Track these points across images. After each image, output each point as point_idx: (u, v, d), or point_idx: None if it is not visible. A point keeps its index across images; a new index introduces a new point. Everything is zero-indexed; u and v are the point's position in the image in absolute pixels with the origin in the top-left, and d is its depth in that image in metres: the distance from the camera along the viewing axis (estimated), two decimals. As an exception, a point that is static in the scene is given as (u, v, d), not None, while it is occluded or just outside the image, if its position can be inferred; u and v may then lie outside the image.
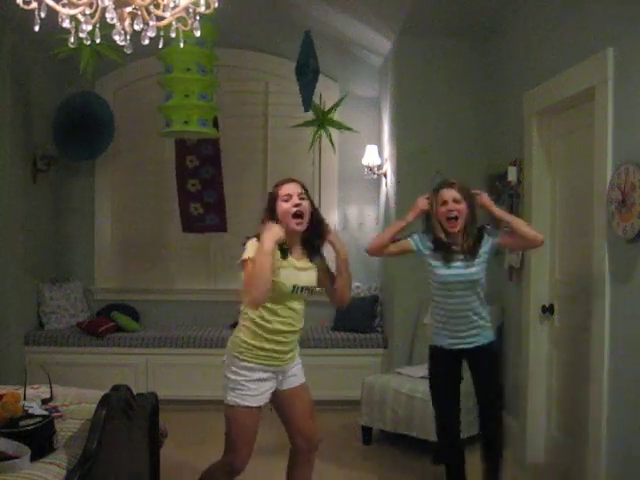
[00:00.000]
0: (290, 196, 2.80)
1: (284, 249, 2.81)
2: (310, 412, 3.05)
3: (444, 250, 3.26)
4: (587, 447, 3.40)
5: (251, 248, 2.74)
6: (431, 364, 3.49)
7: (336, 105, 5.47)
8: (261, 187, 5.86)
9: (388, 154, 5.53)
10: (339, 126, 5.44)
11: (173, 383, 5.28)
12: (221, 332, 5.53)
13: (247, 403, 2.82)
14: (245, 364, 2.83)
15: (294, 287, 2.80)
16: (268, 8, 5.39)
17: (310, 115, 5.37)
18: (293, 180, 2.90)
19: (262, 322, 2.82)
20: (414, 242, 3.37)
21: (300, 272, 2.84)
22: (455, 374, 3.41)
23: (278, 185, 2.89)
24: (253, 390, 2.83)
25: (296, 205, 2.78)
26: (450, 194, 3.26)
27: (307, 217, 2.83)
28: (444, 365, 3.41)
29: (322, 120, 5.39)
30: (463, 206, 3.25)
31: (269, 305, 2.79)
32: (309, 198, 2.88)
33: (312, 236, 2.90)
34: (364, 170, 5.72)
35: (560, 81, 3.71)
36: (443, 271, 3.26)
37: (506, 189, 4.58)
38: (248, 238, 2.82)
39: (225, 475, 2.98)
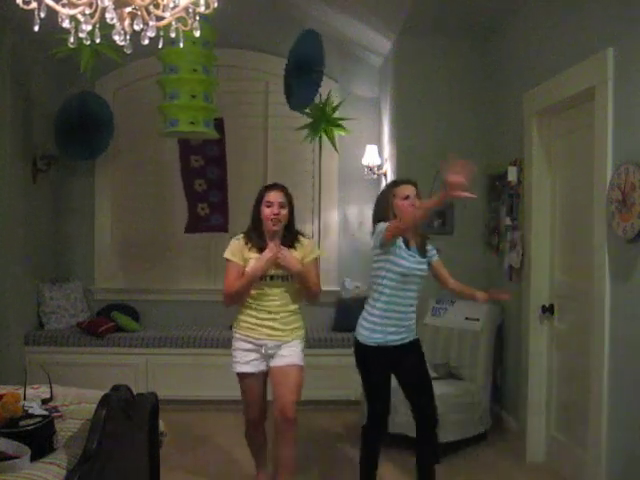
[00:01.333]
0: (272, 203, 3.34)
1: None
2: (290, 387, 3.33)
3: (405, 241, 3.30)
4: (587, 447, 3.41)
5: (232, 247, 3.41)
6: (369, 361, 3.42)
7: (334, 108, 5.47)
8: (261, 187, 5.86)
9: (388, 154, 5.53)
10: (341, 127, 5.45)
11: (173, 383, 5.28)
12: (221, 332, 5.53)
13: (238, 369, 3.42)
14: (236, 335, 3.45)
15: (263, 275, 3.33)
16: (268, 8, 5.39)
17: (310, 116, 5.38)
18: (278, 187, 3.41)
19: (246, 301, 3.42)
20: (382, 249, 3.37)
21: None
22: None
23: (264, 190, 3.43)
24: (240, 357, 3.41)
25: (275, 214, 3.33)
26: (412, 190, 3.34)
27: (284, 221, 3.37)
28: (381, 363, 3.38)
29: (322, 120, 5.39)
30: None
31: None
32: (289, 203, 3.38)
33: (288, 234, 3.42)
34: (364, 170, 5.72)
35: (560, 81, 3.71)
36: (404, 262, 3.26)
37: (506, 189, 4.59)
38: (236, 238, 3.44)
39: (248, 426, 3.56)
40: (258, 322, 3.39)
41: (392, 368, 3.40)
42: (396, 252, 3.26)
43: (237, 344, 3.45)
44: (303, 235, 3.53)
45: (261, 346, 3.39)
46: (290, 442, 3.34)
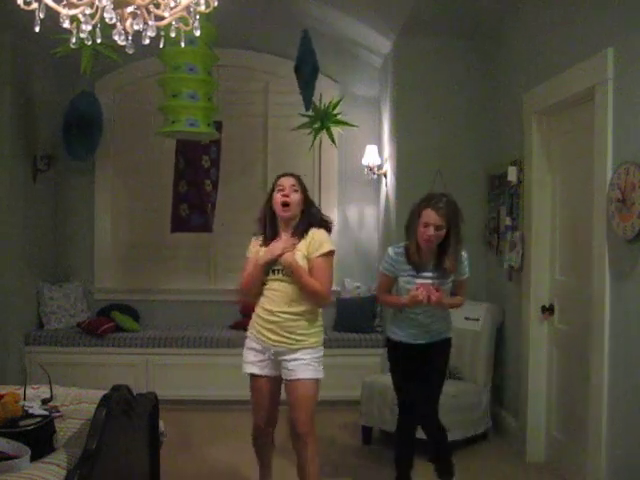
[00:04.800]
0: (283, 187, 3.19)
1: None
2: (296, 406, 3.19)
3: (416, 267, 3.32)
4: (587, 447, 3.41)
5: (250, 245, 3.32)
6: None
7: (335, 105, 5.47)
8: (261, 187, 5.85)
9: (388, 154, 5.53)
10: (342, 124, 5.44)
11: (173, 383, 5.27)
12: (221, 332, 5.53)
13: (244, 369, 3.29)
14: (247, 332, 3.33)
15: (268, 268, 3.17)
16: (268, 8, 5.39)
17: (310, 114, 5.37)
18: (290, 174, 3.27)
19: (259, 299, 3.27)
20: (389, 272, 3.40)
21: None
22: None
23: (277, 177, 3.29)
24: (248, 357, 3.27)
25: (284, 196, 3.17)
26: (435, 220, 3.21)
27: (295, 207, 3.19)
28: (405, 357, 3.48)
29: (322, 120, 5.38)
30: (443, 232, 3.25)
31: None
32: (303, 192, 3.23)
33: (301, 225, 3.22)
34: (364, 170, 5.72)
35: (560, 81, 3.71)
36: (409, 286, 3.30)
37: (506, 189, 4.59)
38: (254, 235, 3.33)
39: (254, 429, 3.39)
40: (262, 323, 3.20)
41: (416, 364, 3.42)
42: (402, 275, 3.35)
43: (247, 343, 3.30)
44: (324, 225, 3.24)
45: (266, 351, 3.21)
46: (306, 455, 3.21)
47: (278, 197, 3.17)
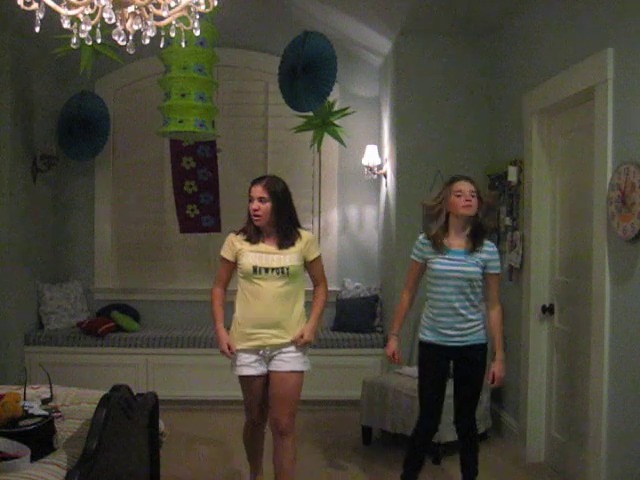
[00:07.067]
0: (252, 198, 3.28)
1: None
2: (282, 398, 3.25)
3: (439, 244, 3.31)
4: (587, 447, 3.41)
5: (226, 243, 3.38)
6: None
7: (342, 112, 5.45)
8: (261, 187, 5.86)
9: (388, 154, 5.53)
10: (339, 132, 5.43)
11: (173, 383, 5.28)
12: (221, 332, 5.53)
13: (240, 373, 3.31)
14: (235, 335, 3.34)
15: (254, 267, 3.24)
16: (268, 8, 5.38)
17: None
18: (259, 181, 3.30)
19: (241, 295, 3.34)
20: (417, 257, 3.40)
21: (267, 255, 3.26)
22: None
23: (251, 184, 3.34)
24: (240, 360, 3.30)
25: (254, 210, 3.25)
26: (467, 186, 3.28)
27: (266, 215, 3.25)
28: (434, 362, 3.39)
29: (323, 121, 5.38)
30: (476, 201, 3.29)
31: (242, 281, 3.32)
32: (272, 198, 3.24)
33: (282, 226, 3.28)
34: (364, 170, 5.72)
35: (560, 81, 3.71)
36: (438, 265, 3.29)
37: (506, 189, 4.59)
38: (233, 232, 3.39)
39: (248, 426, 3.48)
40: (255, 325, 3.26)
41: (447, 371, 3.36)
42: (429, 258, 3.34)
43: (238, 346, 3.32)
44: (302, 228, 3.41)
45: (259, 349, 3.28)
46: (288, 451, 3.28)
47: (250, 207, 3.28)
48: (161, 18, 1.91)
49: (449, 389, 3.40)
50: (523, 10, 4.29)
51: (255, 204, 3.25)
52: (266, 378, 3.32)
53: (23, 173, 5.28)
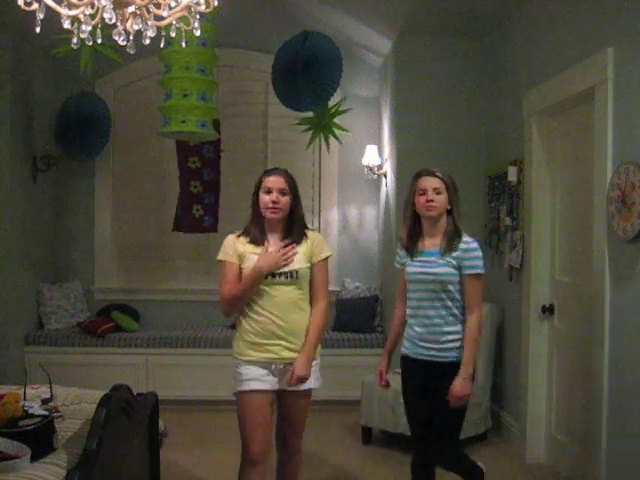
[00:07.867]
0: (271, 190, 2.89)
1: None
2: (295, 419, 2.97)
3: (412, 246, 3.01)
4: (587, 447, 3.41)
5: (224, 246, 2.96)
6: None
7: (337, 109, 5.44)
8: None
9: (388, 154, 5.53)
10: (339, 128, 5.43)
11: (173, 383, 5.28)
12: (221, 332, 5.53)
13: (247, 388, 2.85)
14: (242, 356, 2.92)
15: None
16: (268, 8, 5.39)
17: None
18: (279, 172, 2.95)
19: (248, 303, 2.91)
20: (398, 264, 3.14)
21: None
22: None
23: (264, 174, 2.97)
24: (248, 374, 2.87)
25: (273, 202, 2.88)
26: (430, 181, 2.91)
27: (285, 209, 2.91)
28: (410, 377, 3.06)
29: (322, 121, 5.38)
30: (443, 197, 2.91)
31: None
32: (292, 192, 2.92)
33: (290, 228, 2.95)
34: (364, 170, 5.72)
35: (560, 81, 3.71)
36: (410, 268, 2.99)
37: (506, 189, 4.59)
38: (233, 234, 3.00)
39: (244, 467, 2.89)
40: (267, 335, 2.87)
41: (424, 389, 2.96)
42: (405, 262, 3.04)
43: (241, 363, 2.91)
44: (309, 228, 3.05)
45: (272, 363, 2.89)
46: (295, 469, 3.05)
47: (266, 200, 2.88)
48: (161, 18, 1.91)
49: None
50: (523, 10, 4.30)
51: (275, 196, 2.86)
52: (271, 395, 2.91)
53: (23, 173, 5.28)
